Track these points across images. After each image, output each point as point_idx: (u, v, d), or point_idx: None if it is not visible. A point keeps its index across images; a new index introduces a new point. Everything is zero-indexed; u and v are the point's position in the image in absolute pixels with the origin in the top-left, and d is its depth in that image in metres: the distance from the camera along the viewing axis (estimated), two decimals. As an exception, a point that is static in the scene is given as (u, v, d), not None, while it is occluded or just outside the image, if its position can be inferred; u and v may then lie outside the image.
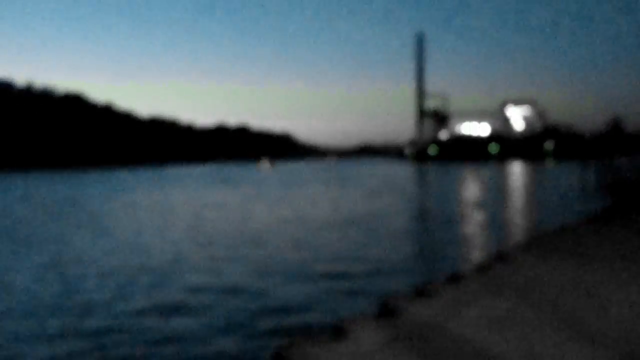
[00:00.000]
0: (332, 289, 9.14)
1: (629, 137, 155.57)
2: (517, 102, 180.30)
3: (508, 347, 5.16)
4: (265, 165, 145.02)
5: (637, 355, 4.88)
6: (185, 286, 9.54)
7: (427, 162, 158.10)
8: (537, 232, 15.19)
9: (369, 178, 58.65)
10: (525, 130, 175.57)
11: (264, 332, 7.03)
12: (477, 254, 12.15)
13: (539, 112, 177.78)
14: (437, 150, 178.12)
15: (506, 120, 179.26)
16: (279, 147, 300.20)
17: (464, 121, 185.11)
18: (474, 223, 17.84)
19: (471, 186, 39.98)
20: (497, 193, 32.00)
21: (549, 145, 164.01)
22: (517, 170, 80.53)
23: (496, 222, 18.05)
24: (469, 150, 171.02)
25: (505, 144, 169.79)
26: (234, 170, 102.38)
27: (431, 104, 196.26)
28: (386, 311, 6.65)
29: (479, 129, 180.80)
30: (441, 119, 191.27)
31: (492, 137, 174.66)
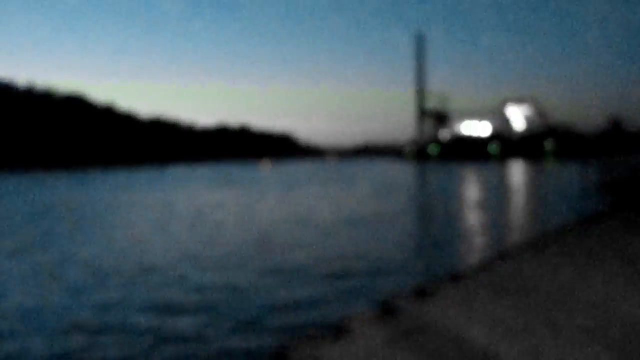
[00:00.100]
0: (331, 289, 9.15)
1: (629, 136, 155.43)
2: (518, 101, 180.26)
3: (508, 347, 5.18)
4: (266, 165, 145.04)
5: (636, 356, 4.89)
6: (185, 285, 9.55)
7: (428, 162, 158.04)
8: (538, 231, 15.20)
9: (369, 178, 58.65)
10: (525, 130, 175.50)
11: (264, 331, 7.04)
12: (477, 254, 12.16)
13: (540, 112, 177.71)
14: (437, 150, 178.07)
15: (506, 120, 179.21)
16: (280, 147, 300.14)
17: (464, 120, 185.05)
18: (474, 222, 17.84)
19: (471, 185, 39.98)
20: (497, 192, 32.00)
21: (549, 144, 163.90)
22: (517, 169, 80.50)
23: (496, 221, 18.06)
24: (469, 150, 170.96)
25: (506, 143, 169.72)
26: (234, 170, 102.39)
27: (431, 103, 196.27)
28: (386, 311, 6.66)
29: (480, 128, 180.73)
30: (441, 118, 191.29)
31: (492, 137, 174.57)
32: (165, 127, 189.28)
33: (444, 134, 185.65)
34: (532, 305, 6.55)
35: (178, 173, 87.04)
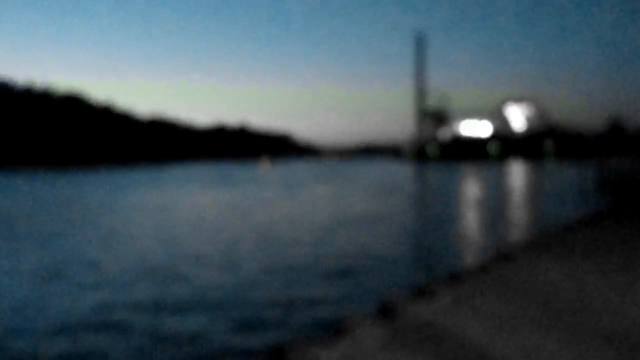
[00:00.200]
0: (331, 289, 9.11)
1: (629, 136, 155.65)
2: (518, 101, 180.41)
3: (509, 347, 5.14)
4: (265, 164, 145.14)
5: (636, 356, 4.86)
6: (184, 284, 9.51)
7: (427, 162, 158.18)
8: (538, 231, 15.17)
9: (369, 178, 58.64)
10: (525, 130, 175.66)
11: (263, 331, 7.01)
12: (477, 254, 12.12)
13: (540, 112, 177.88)
14: (437, 150, 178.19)
15: (506, 120, 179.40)
16: (279, 147, 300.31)
17: (464, 120, 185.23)
18: (474, 222, 17.82)
19: (471, 185, 39.98)
20: (497, 192, 31.98)
21: (549, 144, 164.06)
22: (517, 169, 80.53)
23: (496, 221, 18.03)
24: (469, 150, 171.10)
25: (506, 143, 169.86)
26: (233, 169, 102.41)
27: (431, 103, 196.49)
28: (386, 311, 6.62)
29: (480, 128, 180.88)
30: (441, 118, 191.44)
31: (492, 137, 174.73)
32: (164, 127, 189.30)
33: (444, 134, 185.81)
34: (532, 306, 6.51)
35: (177, 172, 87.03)
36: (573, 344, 5.21)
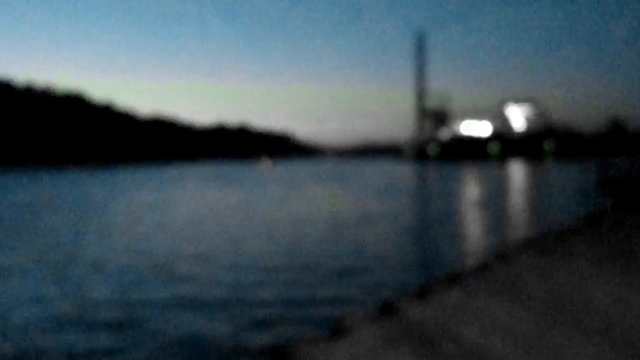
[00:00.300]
0: (331, 289, 9.13)
1: (629, 136, 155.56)
2: (518, 101, 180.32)
3: (508, 348, 5.16)
4: (265, 164, 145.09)
5: (636, 355, 4.87)
6: (185, 284, 9.53)
7: (427, 162, 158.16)
8: (537, 232, 15.19)
9: (369, 177, 58.66)
10: (525, 130, 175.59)
11: (263, 331, 7.03)
12: (477, 254, 12.14)
13: (540, 111, 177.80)
14: (437, 150, 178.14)
15: (506, 120, 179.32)
16: (279, 147, 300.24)
17: (464, 120, 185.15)
18: (474, 223, 17.83)
19: (471, 185, 39.99)
20: (497, 192, 32.00)
21: (549, 144, 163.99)
22: (517, 169, 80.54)
23: (496, 222, 18.05)
24: (469, 150, 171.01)
25: (506, 143, 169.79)
26: (234, 169, 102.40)
27: (431, 103, 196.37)
28: (386, 311, 6.64)
29: (480, 128, 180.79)
30: (441, 118, 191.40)
31: (492, 137, 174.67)
32: (164, 126, 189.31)
33: (444, 134, 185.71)
34: (531, 306, 6.53)
35: (177, 172, 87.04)
36: (573, 343, 5.23)
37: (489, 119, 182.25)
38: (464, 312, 6.35)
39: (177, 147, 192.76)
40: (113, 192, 36.22)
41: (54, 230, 17.06)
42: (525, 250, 10.58)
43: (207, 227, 17.63)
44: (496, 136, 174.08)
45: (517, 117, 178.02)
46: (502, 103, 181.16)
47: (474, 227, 16.82)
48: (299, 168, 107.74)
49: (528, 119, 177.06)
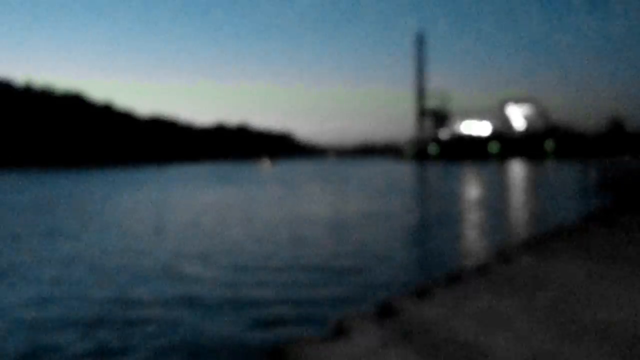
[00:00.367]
0: (331, 288, 9.12)
1: (629, 136, 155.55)
2: (518, 100, 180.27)
3: (508, 347, 5.14)
4: (265, 164, 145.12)
5: (637, 355, 4.86)
6: (184, 283, 9.52)
7: (427, 161, 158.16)
8: (538, 231, 15.17)
9: (369, 177, 58.65)
10: (525, 130, 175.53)
11: (263, 331, 7.01)
12: (477, 254, 12.13)
13: (540, 111, 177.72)
14: (437, 150, 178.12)
15: (506, 120, 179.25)
16: (279, 146, 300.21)
17: (464, 120, 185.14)
18: (474, 223, 17.82)
19: (471, 185, 39.98)
20: (497, 192, 31.98)
21: (549, 144, 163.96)
22: (517, 169, 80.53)
23: (496, 221, 18.03)
24: (469, 150, 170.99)
25: (506, 143, 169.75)
26: (233, 169, 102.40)
27: (431, 103, 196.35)
28: (386, 311, 6.62)
29: (480, 127, 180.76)
30: (441, 118, 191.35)
31: (492, 136, 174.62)
32: (163, 126, 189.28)
33: (444, 134, 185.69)
34: (531, 306, 6.51)
35: (177, 172, 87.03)
36: (572, 343, 5.22)
37: (489, 119, 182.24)
38: (464, 312, 6.34)
39: (177, 147, 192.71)
40: (113, 192, 36.20)
41: (53, 231, 17.05)
42: (525, 250, 10.57)
43: (207, 227, 17.61)
44: (496, 136, 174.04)
45: (517, 117, 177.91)
46: (502, 103, 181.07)
47: (474, 227, 16.80)
48: (299, 168, 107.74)
49: (528, 119, 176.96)
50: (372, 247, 13.15)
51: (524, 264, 9.04)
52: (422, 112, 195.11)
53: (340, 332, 5.90)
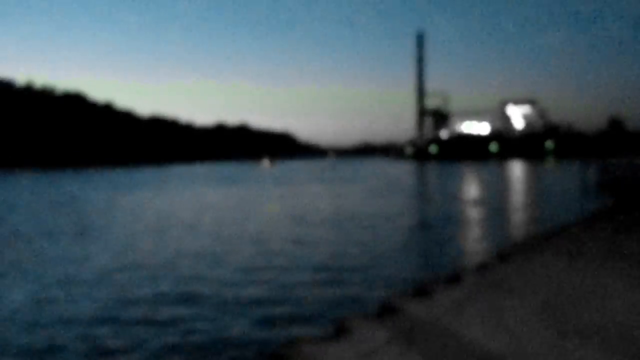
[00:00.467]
0: (331, 288, 9.13)
1: (629, 136, 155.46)
2: (518, 101, 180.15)
3: (507, 347, 5.16)
4: (265, 163, 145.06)
5: (635, 355, 4.87)
6: (185, 282, 9.53)
7: (428, 161, 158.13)
8: (537, 231, 15.18)
9: (369, 177, 58.63)
10: (525, 129, 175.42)
11: (263, 331, 7.02)
12: (477, 254, 12.14)
13: (540, 111, 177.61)
14: (437, 149, 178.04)
15: (506, 119, 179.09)
16: (279, 146, 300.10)
17: (464, 120, 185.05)
18: (474, 222, 17.83)
19: (471, 185, 39.98)
20: (497, 192, 31.98)
21: (549, 144, 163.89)
22: (517, 169, 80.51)
23: (496, 221, 18.04)
24: (469, 149, 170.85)
25: (506, 143, 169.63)
26: (234, 169, 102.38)
27: (431, 103, 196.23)
28: (386, 310, 6.64)
29: (479, 127, 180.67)
30: (441, 118, 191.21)
31: (492, 136, 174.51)
32: (164, 126, 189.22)
33: (444, 134, 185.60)
34: (531, 305, 6.53)
35: (177, 172, 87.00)
36: (571, 343, 5.23)
37: (489, 119, 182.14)
38: (464, 312, 6.35)
39: (177, 147, 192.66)
40: (113, 192, 36.20)
41: (54, 231, 17.06)
42: (524, 250, 10.58)
43: (208, 226, 17.62)
44: (496, 136, 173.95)
45: (517, 117, 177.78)
46: (502, 103, 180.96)
47: (473, 226, 16.82)
48: (299, 167, 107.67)
49: (528, 119, 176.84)
50: (373, 247, 13.17)
51: (524, 264, 9.06)
52: (422, 112, 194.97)
53: (340, 331, 5.91)
